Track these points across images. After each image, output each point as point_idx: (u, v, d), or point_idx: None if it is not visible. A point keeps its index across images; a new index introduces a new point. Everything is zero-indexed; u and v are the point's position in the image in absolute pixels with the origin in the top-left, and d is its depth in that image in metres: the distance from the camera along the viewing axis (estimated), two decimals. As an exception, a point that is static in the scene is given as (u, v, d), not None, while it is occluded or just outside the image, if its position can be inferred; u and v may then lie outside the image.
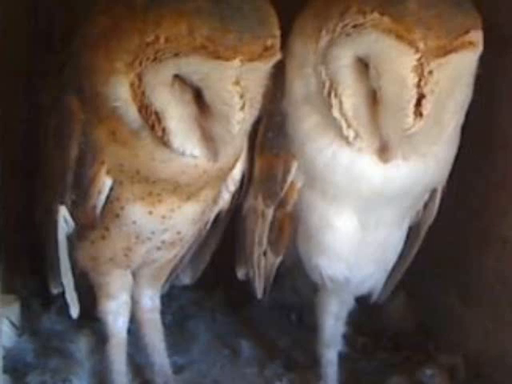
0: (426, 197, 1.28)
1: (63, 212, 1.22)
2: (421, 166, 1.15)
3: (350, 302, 1.38)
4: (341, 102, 1.10)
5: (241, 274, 1.39)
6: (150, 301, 1.40)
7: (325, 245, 1.25)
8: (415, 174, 1.16)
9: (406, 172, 1.15)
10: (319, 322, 1.38)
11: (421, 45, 1.00)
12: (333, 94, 1.10)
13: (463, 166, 1.22)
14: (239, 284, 1.41)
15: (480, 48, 1.05)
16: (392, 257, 1.32)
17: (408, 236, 1.32)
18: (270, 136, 1.20)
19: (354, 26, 1.04)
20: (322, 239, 1.25)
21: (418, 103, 1.04)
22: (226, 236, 1.42)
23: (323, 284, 1.32)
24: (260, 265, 1.34)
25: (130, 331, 1.35)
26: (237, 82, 1.01)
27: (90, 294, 1.33)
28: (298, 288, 1.52)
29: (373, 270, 1.31)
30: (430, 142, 1.12)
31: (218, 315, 1.64)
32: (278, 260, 1.33)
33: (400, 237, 1.30)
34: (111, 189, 1.17)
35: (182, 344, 1.51)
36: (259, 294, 1.38)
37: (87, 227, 1.24)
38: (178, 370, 1.42)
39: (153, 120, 1.06)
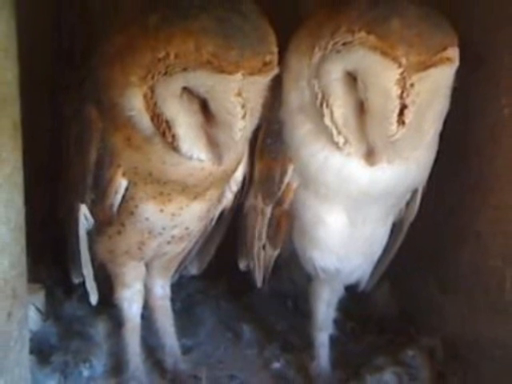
0: (408, 196, 1.28)
1: (84, 210, 1.22)
2: (403, 168, 1.15)
3: (340, 291, 1.37)
4: (332, 112, 1.10)
5: (242, 265, 1.39)
6: (161, 289, 1.40)
7: (318, 239, 1.25)
8: (398, 175, 1.16)
9: (390, 174, 1.15)
10: (313, 308, 1.38)
11: (403, 60, 1.00)
12: (325, 105, 1.10)
13: (441, 169, 1.22)
14: (241, 274, 1.41)
15: (456, 63, 1.05)
16: (378, 250, 1.32)
17: (392, 231, 1.32)
18: (269, 142, 1.20)
19: (344, 44, 1.04)
20: (316, 234, 1.25)
21: (401, 113, 1.04)
22: (229, 231, 1.41)
23: (316, 274, 1.32)
24: (259, 257, 1.34)
25: (143, 316, 1.36)
26: (239, 94, 1.01)
27: (107, 283, 1.33)
28: (293, 278, 1.52)
29: (360, 262, 1.31)
30: (412, 147, 1.12)
31: (221, 302, 1.63)
32: (276, 253, 1.33)
33: (385, 232, 1.30)
34: (126, 189, 1.17)
35: (190, 328, 1.51)
36: (259, 283, 1.38)
37: (105, 223, 1.24)
38: (186, 351, 1.42)
39: (164, 128, 1.06)
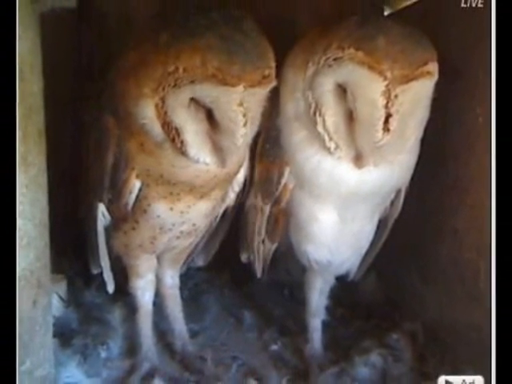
0: (393, 196, 1.28)
1: (101, 208, 1.22)
2: (388, 171, 1.15)
3: (331, 280, 1.37)
4: (324, 120, 1.10)
5: (244, 257, 1.38)
6: (171, 279, 1.40)
7: (312, 234, 1.25)
8: (384, 177, 1.16)
9: (376, 176, 1.15)
10: (307, 296, 1.38)
11: (388, 74, 1.00)
12: (317, 114, 1.10)
13: (422, 171, 1.22)
14: (242, 266, 1.40)
15: (436, 77, 1.04)
16: (365, 244, 1.31)
17: (378, 227, 1.31)
18: (268, 147, 1.19)
19: (335, 59, 1.04)
20: (310, 230, 1.24)
21: (386, 121, 1.04)
22: (231, 227, 1.41)
23: (310, 266, 1.32)
24: (259, 250, 1.33)
25: (154, 303, 1.35)
26: (240, 104, 1.00)
27: (122, 274, 1.33)
28: (289, 269, 1.51)
29: (350, 255, 1.30)
30: (396, 151, 1.11)
31: (225, 291, 1.63)
32: (274, 246, 1.32)
33: (371, 228, 1.29)
34: (140, 189, 1.17)
35: (197, 314, 1.50)
36: (258, 273, 1.38)
37: (121, 220, 1.24)
38: (193, 334, 1.41)
39: (173, 134, 1.06)
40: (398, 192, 1.27)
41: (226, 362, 1.33)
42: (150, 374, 1.27)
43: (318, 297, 1.37)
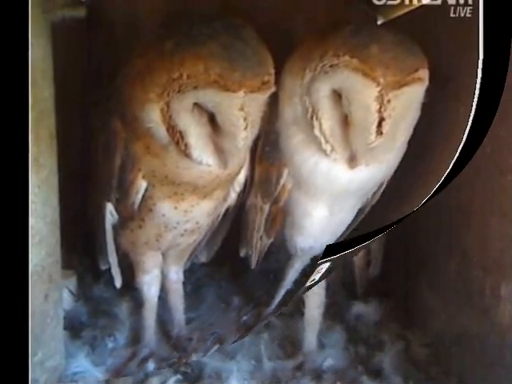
0: (376, 188, 1.26)
1: (109, 207, 1.21)
2: (376, 168, 1.14)
3: (306, 261, 1.34)
4: (320, 124, 1.09)
5: (243, 253, 1.38)
6: (176, 274, 1.39)
7: (303, 228, 1.25)
8: (372, 174, 1.15)
9: (366, 173, 1.14)
10: (284, 274, 1.36)
11: (381, 80, 0.99)
12: (314, 118, 1.09)
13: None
14: (240, 259, 1.39)
15: (426, 82, 1.04)
16: (343, 229, 1.28)
17: (356, 214, 1.29)
18: (267, 149, 1.19)
19: (331, 66, 1.03)
20: (302, 224, 1.24)
21: (379, 124, 1.03)
22: (233, 225, 1.41)
23: (295, 253, 1.31)
24: (257, 245, 1.33)
25: (159, 297, 1.35)
26: (241, 109, 1.00)
27: (129, 270, 1.33)
28: (279, 258, 1.48)
29: (329, 240, 1.27)
30: (386, 151, 1.11)
31: (222, 283, 1.62)
32: (270, 241, 1.32)
33: (351, 216, 1.27)
34: (146, 190, 1.17)
35: (195, 304, 1.50)
36: (253, 265, 1.37)
37: (127, 219, 1.23)
38: (188, 321, 1.41)
39: (178, 137, 1.05)
40: (381, 184, 1.26)
41: (206, 337, 1.34)
42: (147, 359, 1.27)
43: (292, 274, 1.35)
